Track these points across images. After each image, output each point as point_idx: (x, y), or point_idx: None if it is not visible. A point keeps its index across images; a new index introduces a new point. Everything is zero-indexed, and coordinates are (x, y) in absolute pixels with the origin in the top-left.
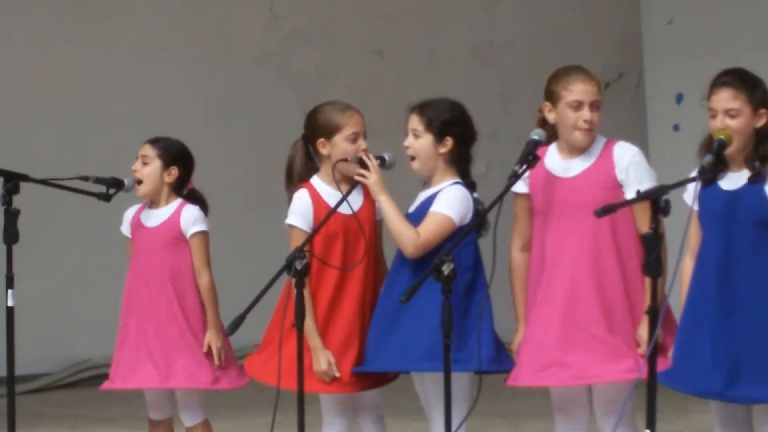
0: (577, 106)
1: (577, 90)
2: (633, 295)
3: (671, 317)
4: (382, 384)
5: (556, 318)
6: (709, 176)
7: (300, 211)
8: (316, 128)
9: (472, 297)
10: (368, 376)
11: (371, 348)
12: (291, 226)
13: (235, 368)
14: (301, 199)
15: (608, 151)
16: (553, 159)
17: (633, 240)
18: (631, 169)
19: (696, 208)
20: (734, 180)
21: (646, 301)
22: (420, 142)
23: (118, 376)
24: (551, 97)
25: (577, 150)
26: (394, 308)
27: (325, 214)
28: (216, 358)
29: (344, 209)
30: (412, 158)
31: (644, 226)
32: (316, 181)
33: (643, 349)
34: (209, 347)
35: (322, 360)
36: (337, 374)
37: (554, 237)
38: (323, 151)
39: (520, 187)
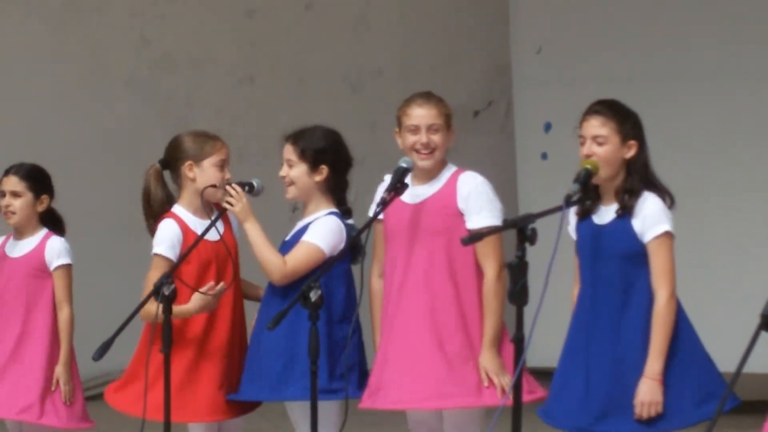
0: (414, 129)
1: (414, 115)
2: (469, 324)
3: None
4: (248, 411)
5: (395, 343)
6: (575, 205)
7: (169, 240)
8: (183, 151)
9: (343, 326)
10: (236, 403)
11: (245, 375)
12: (159, 256)
13: (80, 408)
14: (170, 228)
15: (453, 179)
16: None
17: (468, 268)
18: (472, 197)
19: (575, 238)
20: (604, 214)
21: (485, 328)
22: (295, 171)
23: None
24: (398, 123)
25: (425, 177)
26: (263, 335)
27: (192, 243)
28: (63, 394)
29: (211, 236)
30: (288, 185)
31: (485, 257)
32: (179, 210)
33: (485, 380)
34: (57, 381)
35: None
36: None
37: (400, 263)
38: (189, 174)
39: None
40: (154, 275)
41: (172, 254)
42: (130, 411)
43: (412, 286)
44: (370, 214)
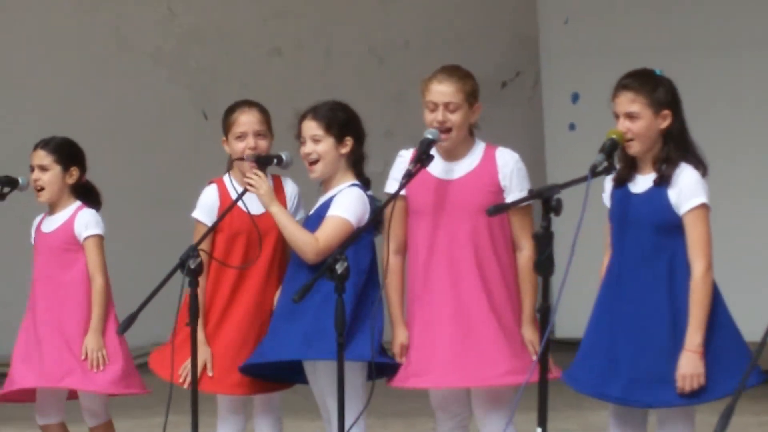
0: (432, 107)
1: (432, 91)
2: (515, 298)
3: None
4: (277, 389)
5: (444, 320)
6: (600, 175)
7: (205, 206)
8: (222, 127)
9: (366, 297)
10: (263, 380)
11: (263, 344)
12: (196, 220)
13: (110, 374)
14: (208, 194)
15: (490, 155)
16: (435, 162)
17: (507, 243)
18: (514, 175)
19: (609, 206)
20: (641, 183)
21: (526, 302)
22: (322, 146)
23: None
24: (422, 95)
25: (456, 153)
26: (288, 307)
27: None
28: (90, 362)
29: (253, 209)
30: (314, 163)
31: (522, 232)
32: (227, 177)
33: (531, 350)
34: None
35: (199, 357)
36: (210, 373)
37: (438, 239)
38: (226, 149)
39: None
40: (195, 238)
41: (208, 219)
42: (160, 374)
43: (463, 264)
44: (388, 189)
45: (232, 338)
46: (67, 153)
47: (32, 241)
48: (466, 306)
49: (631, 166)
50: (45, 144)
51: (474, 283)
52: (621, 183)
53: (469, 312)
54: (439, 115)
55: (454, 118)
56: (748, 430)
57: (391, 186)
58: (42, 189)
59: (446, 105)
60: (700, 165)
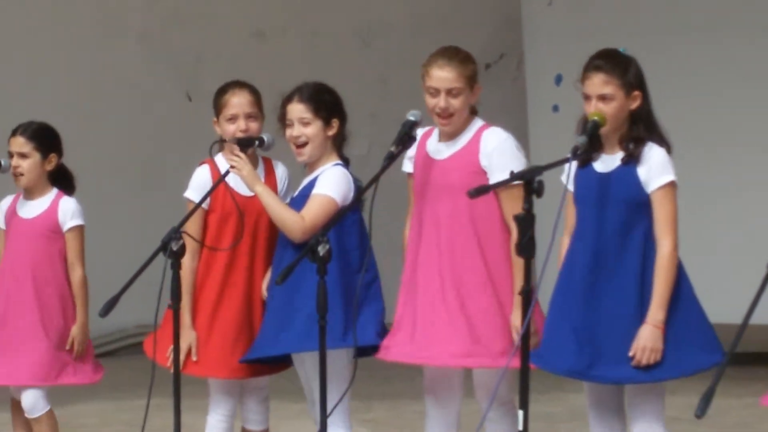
0: (434, 92)
1: (433, 77)
2: (497, 280)
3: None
4: (275, 371)
5: (417, 300)
6: (582, 156)
7: (197, 187)
8: (213, 108)
9: (355, 278)
10: (258, 365)
11: (259, 334)
12: (187, 200)
13: (91, 364)
14: (200, 175)
15: (477, 136)
16: (432, 141)
17: (493, 226)
18: (495, 155)
19: (571, 188)
20: (608, 162)
21: (516, 284)
22: (311, 129)
23: None
24: (422, 78)
25: (451, 133)
26: (277, 294)
27: (221, 192)
28: (76, 353)
29: (243, 191)
30: (302, 146)
31: (510, 211)
32: (219, 158)
33: (516, 338)
34: (72, 342)
35: (184, 340)
36: (194, 357)
37: (423, 219)
38: (217, 130)
39: (409, 167)
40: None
41: (199, 199)
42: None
43: (435, 243)
44: (404, 169)
45: (231, 322)
46: (47, 140)
47: (1, 225)
48: (431, 286)
49: (595, 146)
50: (24, 130)
51: (442, 266)
52: (585, 163)
53: (433, 292)
54: (441, 101)
55: (456, 103)
56: (731, 411)
57: (406, 166)
58: (21, 175)
59: (448, 91)
60: (665, 143)
